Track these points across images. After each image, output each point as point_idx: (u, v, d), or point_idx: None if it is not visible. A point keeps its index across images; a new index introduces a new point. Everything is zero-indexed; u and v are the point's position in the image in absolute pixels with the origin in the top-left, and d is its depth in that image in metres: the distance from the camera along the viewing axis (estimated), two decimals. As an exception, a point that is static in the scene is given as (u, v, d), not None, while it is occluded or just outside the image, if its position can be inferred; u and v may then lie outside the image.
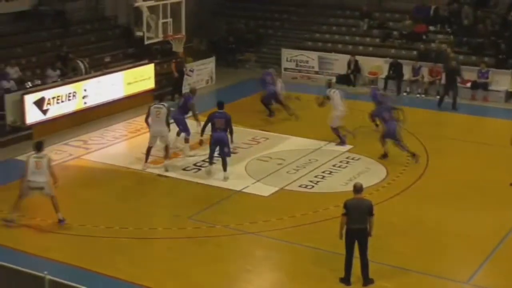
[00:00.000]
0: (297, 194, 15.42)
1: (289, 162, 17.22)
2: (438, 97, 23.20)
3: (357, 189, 11.50)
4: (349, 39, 27.57)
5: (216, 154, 16.37)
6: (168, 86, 23.47)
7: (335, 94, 18.41)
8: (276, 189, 15.61)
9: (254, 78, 23.65)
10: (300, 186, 15.77)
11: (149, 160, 16.89)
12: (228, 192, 15.47)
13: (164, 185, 16.12)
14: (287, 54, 26.96)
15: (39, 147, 13.76)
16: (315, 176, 16.32)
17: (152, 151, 17.33)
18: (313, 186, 15.79)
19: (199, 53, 26.34)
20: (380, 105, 18.17)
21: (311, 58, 26.46)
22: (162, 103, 16.88)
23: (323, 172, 16.60)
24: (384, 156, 17.40)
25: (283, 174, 16.48)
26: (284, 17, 29.73)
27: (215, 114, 16.20)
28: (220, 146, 16.13)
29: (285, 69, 26.88)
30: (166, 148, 16.75)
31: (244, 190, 15.54)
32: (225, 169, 16.08)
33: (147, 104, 21.88)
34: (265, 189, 15.59)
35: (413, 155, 17.23)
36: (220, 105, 16.36)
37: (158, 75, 23.44)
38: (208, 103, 20.50)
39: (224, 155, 16.11)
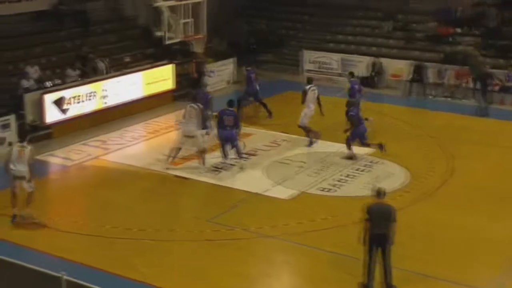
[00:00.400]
0: (318, 198, 15.35)
1: (309, 165, 17.16)
2: (462, 101, 23.02)
3: (380, 193, 11.39)
4: (372, 40, 27.43)
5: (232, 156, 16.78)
6: (187, 87, 23.44)
7: (311, 91, 18.36)
8: (296, 192, 15.56)
9: (274, 80, 23.65)
10: (320, 190, 15.70)
11: (170, 160, 16.90)
12: (247, 194, 15.44)
13: (183, 186, 16.12)
14: (308, 55, 26.90)
15: (23, 136, 13.95)
16: (336, 180, 16.25)
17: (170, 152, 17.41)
18: (334, 190, 15.72)
19: (220, 54, 26.34)
20: (354, 102, 17.98)
21: (333, 59, 26.38)
22: (197, 103, 16.86)
23: (344, 176, 16.51)
24: (351, 157, 17.32)
25: (304, 177, 16.43)
26: (305, 18, 29.65)
27: (225, 111, 16.75)
28: (230, 142, 16.79)
29: (307, 70, 26.82)
30: (202, 153, 16.66)
31: (264, 193, 15.50)
32: (240, 156, 16.67)
33: (166, 105, 22.21)
34: (285, 192, 15.55)
35: (351, 157, 17.39)
36: (230, 103, 16.89)
37: (178, 75, 23.46)
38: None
39: (234, 148, 16.74)
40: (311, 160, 17.45)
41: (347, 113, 17.42)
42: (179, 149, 16.78)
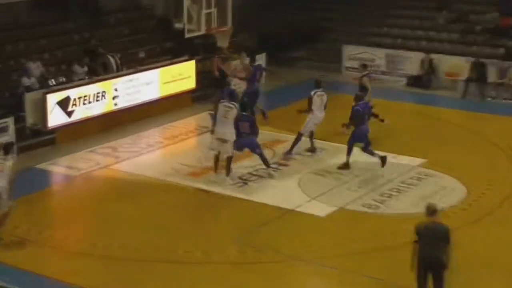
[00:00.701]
0: (359, 215, 15.26)
1: (350, 177, 17.07)
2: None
3: (431, 211, 11.28)
4: (423, 34, 27.28)
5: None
6: (209, 86, 23.34)
7: (318, 96, 18.17)
8: (335, 208, 15.48)
9: (309, 78, 23.48)
10: (363, 206, 15.61)
11: (187, 171, 16.95)
12: (278, 211, 15.36)
13: (204, 201, 16.10)
14: (349, 51, 26.86)
15: (7, 149, 14.00)
16: (381, 195, 16.13)
17: (189, 161, 17.37)
18: (378, 206, 15.62)
19: (247, 49, 26.27)
20: (363, 96, 17.91)
21: (378, 56, 26.30)
22: (233, 103, 16.83)
23: (390, 190, 16.40)
24: (346, 166, 17.31)
25: (343, 191, 16.35)
26: (346, 8, 29.51)
27: (238, 116, 16.69)
28: (250, 149, 16.81)
29: (347, 68, 26.73)
30: (228, 161, 16.63)
31: (297, 209, 15.43)
32: (267, 165, 16.82)
33: (186, 107, 22.22)
34: (321, 209, 15.47)
35: (383, 158, 17.25)
36: (243, 106, 17.02)
37: (199, 73, 23.44)
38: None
39: (258, 154, 16.80)
40: (352, 172, 17.34)
41: (353, 107, 17.33)
42: (216, 156, 16.73)
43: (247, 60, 21.55)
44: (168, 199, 16.14)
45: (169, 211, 15.53)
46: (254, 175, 17.08)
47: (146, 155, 18.92)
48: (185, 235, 14.39)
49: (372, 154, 17.38)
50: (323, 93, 18.33)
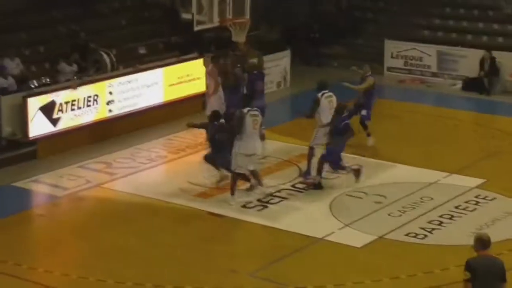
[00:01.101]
0: (403, 247, 15.29)
1: (392, 200, 17.11)
2: None
3: (484, 242, 11.16)
4: (484, 27, 27.28)
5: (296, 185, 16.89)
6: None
7: (326, 98, 18.02)
8: (373, 237, 15.54)
9: (343, 79, 23.54)
10: (407, 235, 15.64)
11: (196, 191, 17.16)
12: (305, 239, 15.42)
13: (216, 227, 16.20)
14: (392, 47, 26.94)
15: None
16: (430, 222, 16.16)
17: (198, 179, 17.71)
18: (426, 236, 15.64)
19: (269, 45, 26.41)
20: (346, 106, 18.01)
21: (428, 53, 26.36)
22: (256, 108, 17.02)
23: (441, 216, 16.42)
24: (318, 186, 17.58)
25: (384, 217, 16.40)
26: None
27: (217, 127, 17.44)
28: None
29: (389, 68, 26.78)
30: (257, 174, 16.97)
31: (327, 238, 15.50)
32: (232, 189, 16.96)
33: (194, 115, 22.17)
34: (357, 238, 15.54)
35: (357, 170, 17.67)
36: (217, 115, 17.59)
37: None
38: (279, 115, 20.50)
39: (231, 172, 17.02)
40: (394, 194, 17.38)
41: (340, 120, 17.44)
42: (239, 175, 16.87)
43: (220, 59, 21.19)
44: (173, 225, 16.23)
45: (174, 239, 15.57)
46: (276, 196, 17.21)
47: (146, 172, 19.02)
48: (193, 268, 14.42)
49: (319, 172, 17.59)
50: (331, 94, 18.15)
